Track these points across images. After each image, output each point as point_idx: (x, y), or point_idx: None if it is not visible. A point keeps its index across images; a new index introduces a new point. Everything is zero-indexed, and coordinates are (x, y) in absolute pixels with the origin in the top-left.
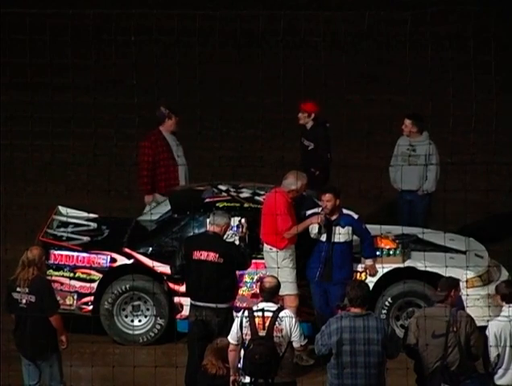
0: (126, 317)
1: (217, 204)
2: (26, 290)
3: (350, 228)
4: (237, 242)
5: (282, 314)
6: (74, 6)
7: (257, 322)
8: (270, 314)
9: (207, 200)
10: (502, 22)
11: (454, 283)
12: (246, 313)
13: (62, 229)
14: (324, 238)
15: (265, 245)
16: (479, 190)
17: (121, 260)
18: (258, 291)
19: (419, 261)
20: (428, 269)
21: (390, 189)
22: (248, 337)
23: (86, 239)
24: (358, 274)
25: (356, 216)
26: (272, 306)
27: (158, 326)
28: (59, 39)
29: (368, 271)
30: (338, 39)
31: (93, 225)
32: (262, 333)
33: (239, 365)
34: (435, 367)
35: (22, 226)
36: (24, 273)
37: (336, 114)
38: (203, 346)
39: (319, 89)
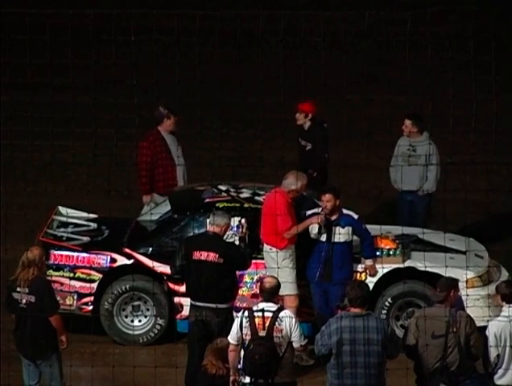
0: (126, 317)
1: (217, 204)
2: (26, 290)
3: (350, 228)
4: (237, 242)
5: (282, 314)
6: (74, 6)
7: (257, 323)
8: (270, 315)
9: (207, 200)
10: (502, 22)
11: (453, 283)
12: (246, 313)
13: (62, 229)
14: (324, 238)
15: (265, 245)
16: (479, 190)
17: (121, 261)
18: (258, 291)
19: (419, 261)
20: (428, 270)
21: (389, 189)
22: (248, 337)
23: (86, 239)
24: (358, 274)
25: (356, 216)
26: (272, 307)
27: (158, 327)
28: (59, 39)
29: (368, 271)
30: (338, 39)
31: (93, 225)
32: (262, 333)
33: (239, 365)
34: (434, 367)
35: (22, 226)
36: (24, 274)
37: (336, 114)
38: (203, 347)
39: (319, 89)
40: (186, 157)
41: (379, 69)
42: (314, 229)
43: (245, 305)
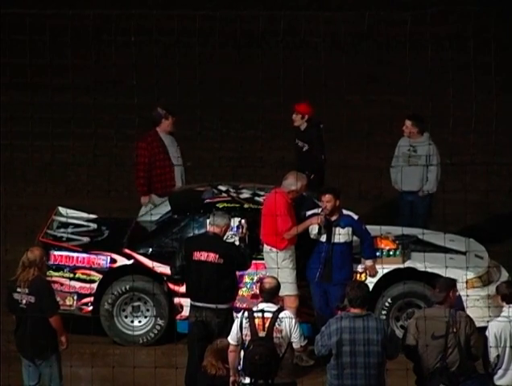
0: (126, 317)
1: (217, 205)
2: (26, 291)
3: (350, 229)
4: (237, 243)
5: (281, 314)
6: (74, 7)
7: (257, 323)
8: (270, 315)
9: (207, 201)
10: (502, 22)
11: (452, 283)
12: (246, 314)
13: (62, 230)
14: (323, 239)
15: (265, 246)
16: (479, 190)
17: (121, 261)
18: (257, 292)
19: (419, 262)
20: (428, 270)
21: (389, 190)
22: (248, 338)
23: (86, 239)
24: (358, 275)
25: (356, 217)
26: (272, 307)
27: (158, 327)
28: (59, 39)
29: (368, 272)
30: (338, 40)
31: (93, 226)
32: (261, 334)
33: (239, 366)
34: (434, 368)
35: (22, 227)
36: (25, 274)
37: (336, 115)
38: (203, 347)
39: (319, 90)
40: (186, 157)
41: (379, 70)
42: (314, 230)
43: (245, 305)
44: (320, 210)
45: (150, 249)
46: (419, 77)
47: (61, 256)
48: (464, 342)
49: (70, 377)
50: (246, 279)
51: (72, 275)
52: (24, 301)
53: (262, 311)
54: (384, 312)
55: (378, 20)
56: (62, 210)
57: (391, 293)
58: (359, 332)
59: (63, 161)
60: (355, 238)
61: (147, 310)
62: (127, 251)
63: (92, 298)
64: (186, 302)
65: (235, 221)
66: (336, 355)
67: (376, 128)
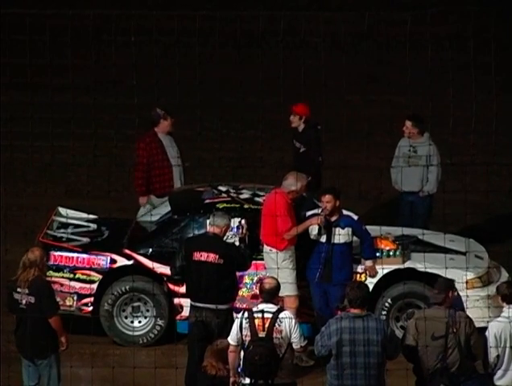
0: (126, 318)
1: (217, 205)
2: (27, 291)
3: (350, 229)
4: (237, 243)
5: (281, 315)
6: (74, 7)
7: (256, 324)
8: (270, 315)
9: (207, 201)
10: (502, 22)
11: (450, 284)
12: (246, 314)
13: (62, 230)
14: (323, 239)
15: (265, 246)
16: (479, 191)
17: (121, 261)
18: (257, 292)
19: (419, 262)
20: (428, 270)
21: (389, 190)
22: (248, 338)
23: (86, 240)
24: (358, 275)
25: (356, 217)
26: (272, 307)
27: (158, 327)
28: (59, 39)
29: (368, 272)
30: (338, 40)
31: (93, 226)
32: (261, 334)
33: (239, 367)
34: (435, 368)
35: (22, 227)
36: (25, 274)
37: (336, 115)
38: (203, 347)
39: (319, 90)
40: (186, 158)
41: (379, 70)
42: (314, 230)
43: (245, 306)
44: (319, 210)
45: (150, 250)
46: (419, 77)
47: (61, 256)
48: (465, 342)
49: (70, 377)
50: (246, 279)
51: (72, 275)
52: (24, 302)
53: (262, 312)
54: (384, 312)
55: (378, 20)
56: (62, 210)
57: (391, 294)
58: (359, 332)
59: (63, 161)
60: (355, 238)
61: (147, 311)
62: (127, 251)
63: (92, 299)
64: (186, 303)
65: (235, 221)
66: (336, 355)
67: (376, 128)
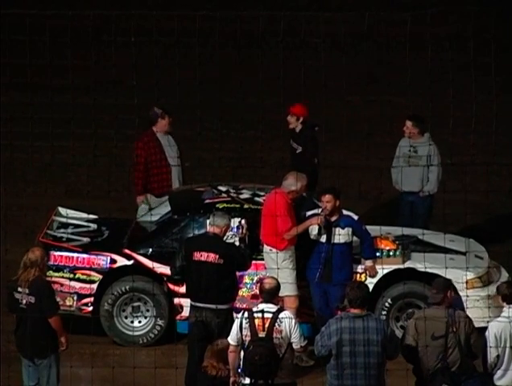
0: (126, 318)
1: (217, 205)
2: (27, 291)
3: (350, 229)
4: (237, 243)
5: (281, 315)
6: (74, 7)
7: (256, 324)
8: (270, 315)
9: (207, 201)
10: (502, 22)
11: (448, 284)
12: (246, 314)
13: (62, 230)
14: (323, 239)
15: (265, 246)
16: (479, 191)
17: (121, 261)
18: (257, 292)
19: (419, 262)
20: (428, 270)
21: (389, 190)
22: (248, 338)
23: (86, 240)
24: (358, 275)
25: (356, 217)
26: (272, 307)
27: (158, 327)
28: (59, 39)
29: (368, 272)
30: (338, 40)
31: (93, 226)
32: (261, 334)
33: (239, 367)
34: (435, 368)
35: (22, 227)
36: (26, 274)
37: (336, 115)
38: (203, 348)
39: (319, 90)
40: (186, 158)
41: (379, 70)
42: (314, 230)
43: (245, 306)
44: (319, 210)
45: (150, 250)
46: (419, 78)
47: (61, 256)
48: (465, 341)
49: (70, 377)
50: (246, 279)
51: (72, 275)
52: (24, 302)
53: (262, 312)
54: (384, 312)
55: (378, 20)
56: (62, 210)
57: (391, 294)
58: (359, 332)
59: (63, 161)
60: (355, 238)
61: (147, 311)
62: (127, 251)
63: (92, 299)
64: (186, 303)
65: (235, 221)
66: (336, 355)
67: (376, 128)
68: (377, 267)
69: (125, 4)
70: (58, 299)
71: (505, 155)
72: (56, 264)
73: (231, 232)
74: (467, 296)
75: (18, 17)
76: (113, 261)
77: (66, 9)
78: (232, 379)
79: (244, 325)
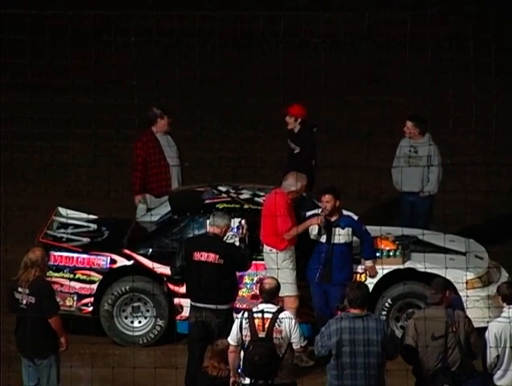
0: (126, 318)
1: (217, 205)
2: (27, 291)
3: (350, 229)
4: (237, 243)
5: (281, 315)
6: (74, 7)
7: (256, 324)
8: (270, 316)
9: (207, 201)
10: (502, 22)
11: (447, 284)
12: (246, 314)
13: (62, 230)
14: (323, 239)
15: (265, 246)
16: (479, 191)
17: (121, 262)
18: (257, 292)
19: (419, 263)
20: (428, 271)
21: (389, 190)
22: (248, 338)
23: (86, 240)
24: (358, 275)
25: (356, 217)
26: (272, 308)
27: (158, 328)
28: (59, 39)
29: (368, 272)
30: (338, 40)
31: (93, 226)
32: (261, 334)
33: (239, 367)
34: (436, 368)
35: (22, 227)
36: (26, 274)
37: (336, 115)
38: (203, 348)
39: (319, 90)
40: (186, 158)
41: (379, 70)
42: (314, 230)
43: (245, 306)
44: (319, 210)
45: (150, 250)
46: (419, 78)
47: (61, 256)
48: (464, 340)
49: (70, 377)
50: (246, 280)
51: (72, 276)
52: (25, 302)
53: (262, 312)
54: (384, 313)
55: (378, 20)
56: (62, 210)
57: (391, 294)
58: (359, 333)
59: (63, 161)
60: (355, 238)
61: (147, 311)
62: (127, 251)
63: (92, 299)
64: (186, 303)
65: (235, 222)
66: (336, 355)
67: (376, 128)
68: (377, 267)
69: (125, 4)
70: (58, 299)
71: (505, 155)
72: (56, 264)
73: (231, 232)
74: (467, 296)
75: (18, 17)
76: (113, 261)
77: (66, 9)
78: (232, 380)
79: (244, 325)
